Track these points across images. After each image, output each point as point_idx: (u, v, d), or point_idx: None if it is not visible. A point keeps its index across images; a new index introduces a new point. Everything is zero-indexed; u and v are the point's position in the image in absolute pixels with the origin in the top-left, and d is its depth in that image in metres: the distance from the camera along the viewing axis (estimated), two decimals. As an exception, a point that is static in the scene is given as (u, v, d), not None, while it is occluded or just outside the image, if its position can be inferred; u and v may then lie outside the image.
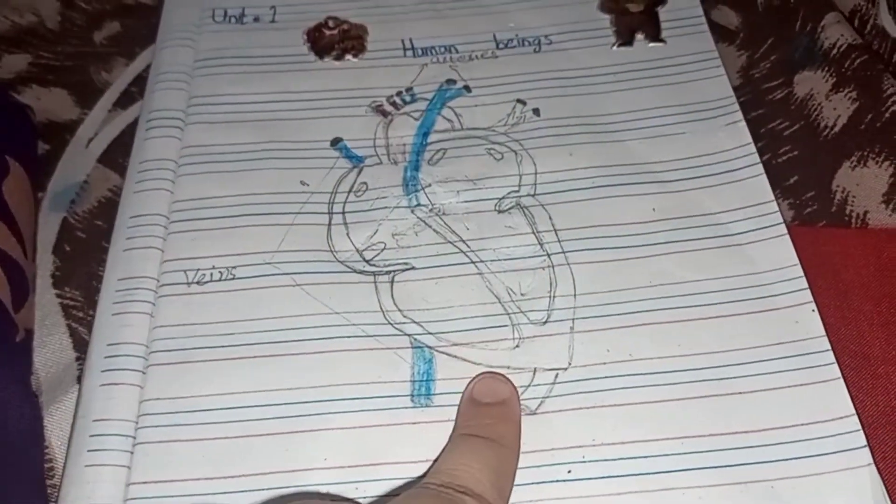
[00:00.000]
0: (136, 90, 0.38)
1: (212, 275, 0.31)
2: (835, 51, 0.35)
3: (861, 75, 0.34)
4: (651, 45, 0.37)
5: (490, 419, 0.25)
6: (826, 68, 0.35)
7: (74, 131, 0.37)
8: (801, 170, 0.34)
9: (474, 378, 0.27)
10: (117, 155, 0.36)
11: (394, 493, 0.26)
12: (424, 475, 0.25)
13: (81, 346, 0.31)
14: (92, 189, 0.35)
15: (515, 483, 0.25)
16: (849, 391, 0.27)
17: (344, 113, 0.36)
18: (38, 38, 0.40)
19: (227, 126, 0.35)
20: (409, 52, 0.38)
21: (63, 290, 0.32)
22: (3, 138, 0.33)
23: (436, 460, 0.26)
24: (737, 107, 0.35)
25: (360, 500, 0.26)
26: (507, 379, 0.27)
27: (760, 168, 0.33)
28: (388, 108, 0.36)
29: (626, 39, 0.38)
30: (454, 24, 0.39)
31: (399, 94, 0.36)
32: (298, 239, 0.32)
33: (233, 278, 0.31)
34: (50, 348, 0.31)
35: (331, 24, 0.39)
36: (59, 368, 0.30)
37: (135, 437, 0.27)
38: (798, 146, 0.34)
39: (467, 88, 0.36)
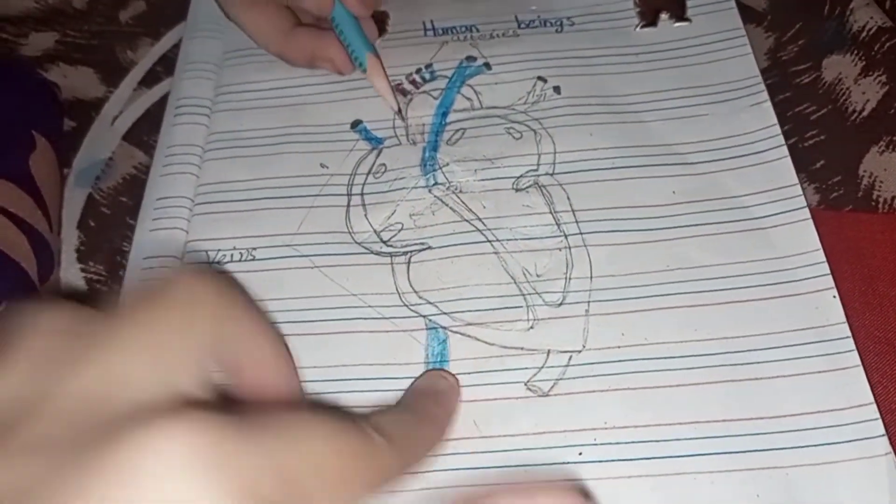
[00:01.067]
0: (161, 69, 0.39)
1: (232, 255, 0.31)
2: (864, 34, 0.34)
3: (891, 58, 0.33)
4: (676, 24, 0.37)
5: (421, 398, 0.26)
6: (855, 52, 0.34)
7: (100, 109, 0.37)
8: (827, 154, 0.33)
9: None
10: (142, 133, 0.37)
11: None
12: None
13: (104, 321, 0.31)
14: (117, 166, 0.36)
15: (528, 464, 0.25)
16: (872, 377, 0.27)
17: (364, 94, 0.36)
18: (65, 17, 0.40)
19: (252, 112, 0.36)
20: (430, 32, 0.38)
21: (87, 265, 0.33)
22: (29, 114, 0.34)
23: None
24: (763, 87, 0.34)
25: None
26: (451, 376, 0.28)
27: (785, 150, 0.32)
28: (408, 86, 0.36)
29: (650, 20, 0.37)
30: (476, 6, 0.38)
31: (419, 71, 0.36)
32: (317, 221, 0.32)
33: (252, 259, 0.31)
34: (74, 322, 0.31)
35: (354, 10, 0.39)
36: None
37: None
38: (825, 130, 0.34)
39: (487, 66, 0.36)
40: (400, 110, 0.35)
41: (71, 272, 0.33)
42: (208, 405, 0.16)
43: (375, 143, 0.34)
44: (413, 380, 0.28)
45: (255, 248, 0.31)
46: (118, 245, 0.33)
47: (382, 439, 0.19)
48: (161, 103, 0.37)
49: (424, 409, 0.25)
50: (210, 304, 0.20)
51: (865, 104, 0.33)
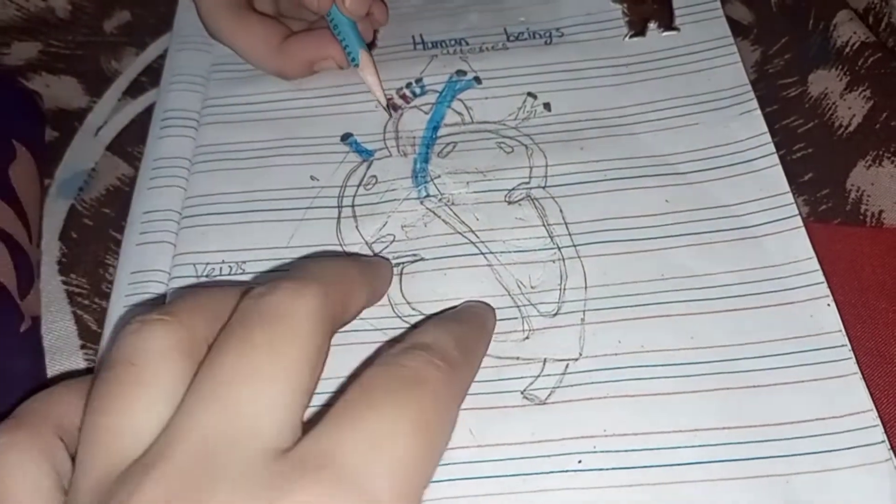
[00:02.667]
0: (145, 80, 0.38)
1: (221, 269, 0.31)
2: (848, 49, 0.35)
3: (875, 73, 0.34)
4: (664, 34, 0.37)
5: (457, 311, 0.27)
6: (840, 66, 0.35)
7: (83, 119, 0.37)
8: (815, 167, 0.33)
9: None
10: (126, 144, 0.36)
11: None
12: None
13: (87, 334, 0.30)
14: (100, 177, 0.35)
15: (526, 472, 0.25)
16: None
17: (354, 109, 0.35)
18: (48, 27, 0.40)
19: (240, 125, 0.35)
20: (420, 46, 0.38)
21: (69, 277, 0.32)
22: (10, 123, 0.33)
23: None
24: (752, 95, 0.34)
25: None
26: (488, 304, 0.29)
27: (776, 158, 0.32)
28: (398, 101, 0.36)
29: (638, 30, 0.37)
30: (464, 20, 0.39)
31: (409, 85, 0.36)
32: (308, 233, 0.32)
33: (242, 273, 0.31)
34: (55, 335, 0.30)
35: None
36: (63, 356, 0.30)
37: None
38: (813, 144, 0.34)
39: (477, 80, 0.36)
40: (389, 105, 0.35)
41: (52, 284, 0.32)
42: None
43: (365, 155, 0.34)
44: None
45: (244, 262, 0.31)
46: (101, 258, 0.32)
47: (443, 366, 0.20)
48: (146, 114, 0.36)
49: (466, 316, 0.26)
50: (310, 321, 0.20)
51: (851, 119, 0.33)
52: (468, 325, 0.25)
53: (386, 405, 0.18)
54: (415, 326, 0.29)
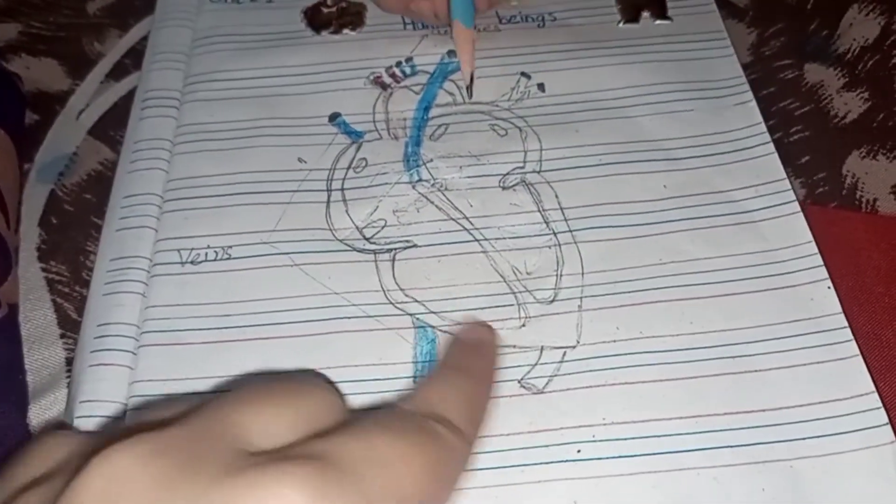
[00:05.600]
0: (129, 62, 0.37)
1: (206, 254, 0.30)
2: (849, 55, 0.35)
3: (874, 76, 0.34)
4: (657, 22, 0.37)
5: (466, 354, 0.25)
6: (839, 68, 0.35)
7: (65, 102, 0.36)
8: (812, 150, 0.33)
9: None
10: (108, 127, 0.35)
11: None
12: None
13: (67, 323, 0.29)
14: (81, 162, 0.34)
15: (524, 463, 0.24)
16: (867, 370, 0.26)
17: (342, 87, 0.35)
18: (30, 7, 0.39)
19: (224, 103, 0.34)
20: (409, 26, 0.37)
21: (49, 264, 0.31)
22: (-12, 105, 0.32)
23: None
24: (747, 87, 0.34)
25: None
26: (489, 326, 0.27)
27: (772, 147, 0.32)
28: (388, 79, 0.35)
29: (631, 17, 0.37)
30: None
31: (398, 64, 0.35)
32: (296, 217, 0.31)
33: (228, 258, 0.30)
34: (34, 324, 0.29)
35: (329, 2, 0.38)
36: (42, 345, 0.29)
37: (124, 420, 0.26)
38: (809, 127, 0.34)
39: None
40: (471, 83, 0.34)
41: (31, 271, 0.31)
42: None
43: (355, 136, 0.33)
44: (450, 338, 0.27)
45: (230, 247, 0.30)
46: (82, 244, 0.31)
47: (455, 438, 0.19)
48: (129, 97, 0.35)
49: (474, 366, 0.24)
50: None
51: (847, 113, 0.34)
52: (480, 385, 0.24)
53: (398, 438, 0.18)
54: (414, 317, 0.28)
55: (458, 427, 0.20)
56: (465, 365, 0.24)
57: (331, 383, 0.20)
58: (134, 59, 0.37)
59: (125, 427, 0.17)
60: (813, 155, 0.33)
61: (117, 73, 0.37)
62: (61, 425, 0.25)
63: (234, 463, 0.16)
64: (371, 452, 0.17)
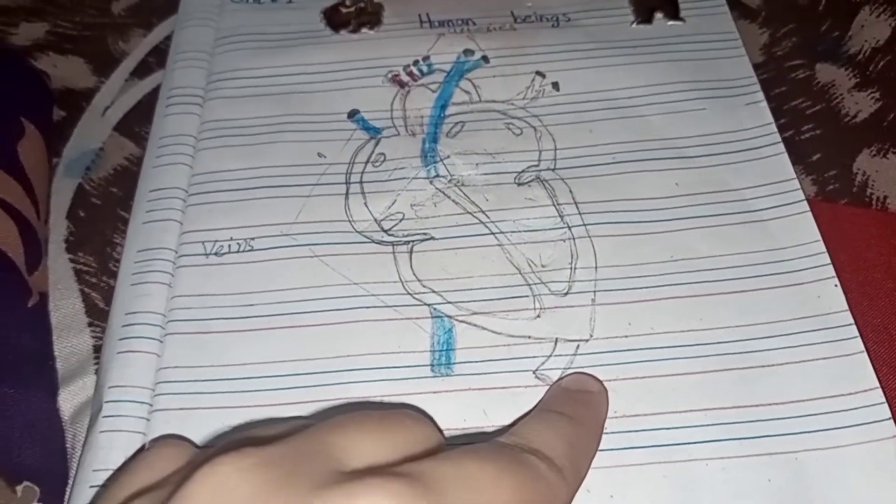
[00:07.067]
0: (153, 60, 0.38)
1: (230, 246, 0.31)
2: (860, 56, 0.35)
3: (885, 76, 0.34)
4: (670, 23, 0.37)
5: (573, 402, 0.25)
6: (850, 68, 0.35)
7: (91, 99, 0.36)
8: (823, 148, 0.34)
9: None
10: (133, 124, 0.36)
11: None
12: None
13: (94, 312, 0.30)
14: (107, 157, 0.35)
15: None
16: (872, 365, 0.27)
17: (360, 84, 0.35)
18: (57, 8, 0.40)
19: (246, 100, 0.35)
20: (426, 25, 0.38)
21: (76, 255, 0.32)
22: (18, 101, 0.33)
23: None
24: (758, 87, 0.34)
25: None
26: (596, 378, 0.27)
27: (782, 147, 0.32)
28: (405, 77, 0.36)
29: (644, 17, 0.37)
30: (470, 2, 0.38)
31: (416, 63, 0.36)
32: (316, 210, 0.31)
33: (251, 249, 0.30)
34: (63, 313, 0.30)
35: (347, 2, 0.39)
36: (71, 334, 0.30)
37: (151, 405, 0.27)
38: (820, 126, 0.34)
39: (485, 59, 0.36)
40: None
41: (59, 263, 0.32)
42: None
43: (373, 132, 0.34)
44: (553, 385, 0.27)
45: (252, 239, 0.31)
46: (109, 237, 0.32)
47: (552, 473, 0.19)
48: (153, 94, 0.36)
49: (578, 413, 0.24)
50: None
51: (858, 113, 0.34)
52: (582, 429, 0.24)
53: (489, 462, 0.18)
54: (436, 311, 0.29)
55: (555, 463, 0.20)
56: (567, 410, 0.24)
57: (428, 417, 0.20)
58: (157, 57, 0.38)
59: (231, 441, 0.18)
60: (824, 152, 0.33)
61: (141, 71, 0.38)
62: (172, 435, 0.26)
63: (330, 478, 0.17)
64: (461, 472, 0.17)
